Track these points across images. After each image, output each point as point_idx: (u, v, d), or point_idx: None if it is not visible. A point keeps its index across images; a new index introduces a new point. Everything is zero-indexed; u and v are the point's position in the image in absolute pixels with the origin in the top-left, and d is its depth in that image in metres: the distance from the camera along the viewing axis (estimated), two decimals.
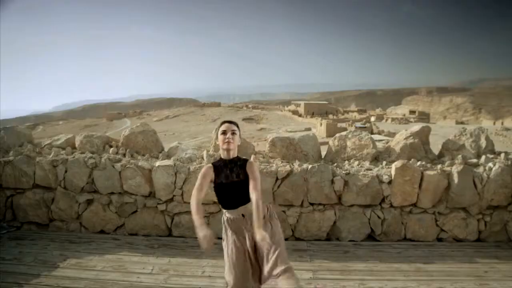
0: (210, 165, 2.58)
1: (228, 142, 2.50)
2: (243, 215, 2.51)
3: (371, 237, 4.35)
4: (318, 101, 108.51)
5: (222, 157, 2.56)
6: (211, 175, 2.54)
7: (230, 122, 2.61)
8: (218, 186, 2.53)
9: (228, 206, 2.54)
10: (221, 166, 2.53)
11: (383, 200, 4.28)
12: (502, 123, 53.17)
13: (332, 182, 4.24)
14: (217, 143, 2.65)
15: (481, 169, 4.27)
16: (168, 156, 4.81)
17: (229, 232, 2.54)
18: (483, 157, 4.43)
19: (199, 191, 2.49)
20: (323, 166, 4.28)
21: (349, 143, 4.76)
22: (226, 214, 2.58)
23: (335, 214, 4.30)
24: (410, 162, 4.31)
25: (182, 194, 4.38)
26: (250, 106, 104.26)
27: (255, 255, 2.49)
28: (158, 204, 4.44)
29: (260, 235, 2.24)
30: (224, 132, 2.54)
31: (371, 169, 4.40)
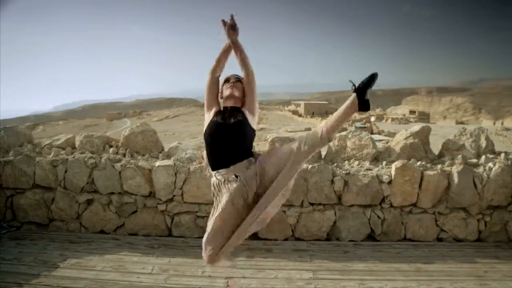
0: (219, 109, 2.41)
1: (232, 87, 2.32)
2: (236, 176, 2.20)
3: (371, 237, 4.35)
4: (318, 101, 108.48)
5: (224, 105, 2.36)
6: (215, 112, 2.36)
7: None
8: (212, 124, 2.28)
9: (218, 164, 2.24)
10: (220, 111, 2.35)
11: (383, 200, 4.28)
12: (502, 123, 53.18)
13: (332, 182, 4.24)
14: (221, 97, 2.41)
15: (481, 169, 4.27)
16: (168, 156, 4.81)
17: (220, 194, 2.26)
18: (483, 157, 4.43)
19: (214, 89, 2.40)
20: (323, 166, 4.28)
21: (349, 143, 4.76)
22: (216, 176, 2.26)
23: (335, 214, 4.30)
24: (410, 162, 4.31)
25: (182, 194, 4.38)
26: None
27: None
28: (158, 204, 4.45)
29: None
30: (227, 80, 2.37)
31: (371, 169, 4.40)
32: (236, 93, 2.32)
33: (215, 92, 2.42)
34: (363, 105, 2.07)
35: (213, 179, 2.31)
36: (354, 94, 2.09)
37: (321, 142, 2.16)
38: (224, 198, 2.24)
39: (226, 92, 2.33)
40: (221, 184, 2.25)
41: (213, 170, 2.29)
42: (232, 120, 2.25)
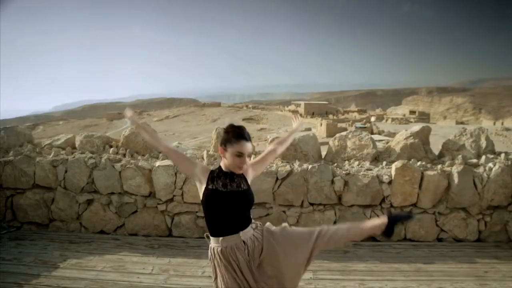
0: (208, 168, 2.15)
1: (242, 163, 2.05)
2: (244, 242, 2.02)
3: (371, 237, 4.34)
4: (318, 101, 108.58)
5: (224, 169, 2.09)
6: (204, 173, 2.08)
7: (246, 138, 2.04)
8: (213, 195, 2.01)
9: (225, 231, 2.01)
10: (218, 174, 2.07)
11: (383, 200, 4.28)
12: (502, 123, 53.17)
13: (332, 182, 4.24)
14: (223, 154, 2.08)
15: (481, 169, 4.27)
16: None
17: (224, 268, 2.01)
18: (483, 157, 4.43)
19: (169, 151, 2.18)
20: (323, 166, 4.28)
21: (349, 143, 4.76)
22: (222, 243, 2.02)
23: (335, 214, 4.30)
24: (410, 162, 4.31)
25: (182, 194, 4.38)
26: (250, 106, 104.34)
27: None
28: (158, 204, 4.44)
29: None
30: (240, 155, 2.02)
31: (371, 169, 4.40)
32: (245, 168, 2.13)
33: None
34: (388, 232, 2.16)
35: (216, 246, 2.05)
36: (386, 220, 2.17)
37: (340, 242, 2.18)
38: (232, 271, 2.02)
39: (237, 169, 2.06)
40: (226, 251, 2.02)
41: (216, 236, 2.05)
42: (236, 188, 2.05)
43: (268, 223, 2.23)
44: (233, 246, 2.01)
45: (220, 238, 2.02)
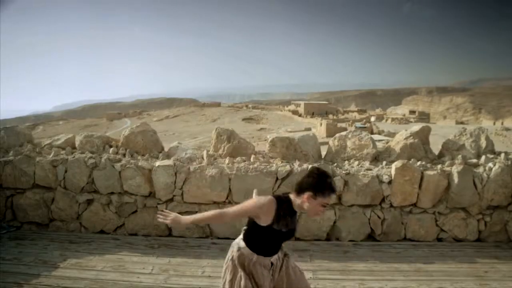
0: (275, 200, 2.13)
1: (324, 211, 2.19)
2: (271, 263, 2.28)
3: (371, 237, 4.35)
4: (318, 101, 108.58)
5: (295, 208, 2.16)
6: (270, 212, 2.10)
7: (335, 190, 2.16)
8: (275, 234, 2.15)
9: (263, 253, 2.22)
10: (284, 211, 2.13)
11: (383, 200, 4.28)
12: (502, 123, 53.12)
13: None
14: (309, 200, 2.10)
15: (481, 169, 4.27)
16: (168, 156, 4.81)
17: (244, 273, 2.18)
18: (483, 157, 4.43)
19: (236, 217, 2.16)
20: (323, 166, 4.28)
21: (349, 143, 4.76)
22: (253, 257, 2.21)
23: (335, 214, 4.30)
24: (410, 162, 4.31)
25: (182, 194, 4.38)
26: (250, 106, 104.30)
27: None
28: (158, 204, 4.44)
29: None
30: (325, 206, 2.12)
31: (371, 169, 4.40)
32: None
33: None
34: None
35: (248, 254, 2.22)
36: None
37: None
38: (252, 281, 2.19)
39: (312, 215, 2.16)
40: (253, 264, 2.20)
41: (251, 250, 2.22)
42: (292, 226, 2.21)
43: (291, 254, 2.43)
44: (261, 263, 2.23)
45: (255, 255, 2.21)
